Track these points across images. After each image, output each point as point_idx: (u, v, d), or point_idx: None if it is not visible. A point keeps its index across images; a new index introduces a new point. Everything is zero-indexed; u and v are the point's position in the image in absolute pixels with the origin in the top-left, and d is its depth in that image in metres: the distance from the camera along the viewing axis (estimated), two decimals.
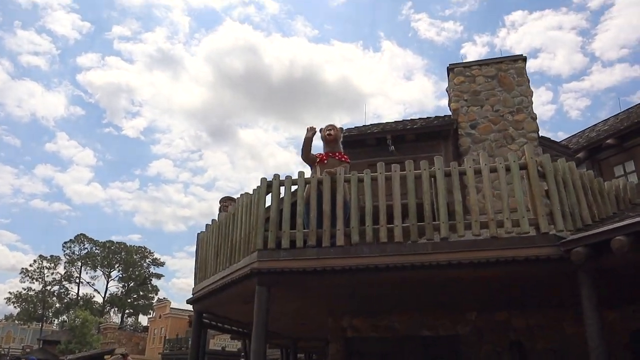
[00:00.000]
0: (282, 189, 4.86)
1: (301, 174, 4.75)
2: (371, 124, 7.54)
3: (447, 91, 7.72)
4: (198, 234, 6.80)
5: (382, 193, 4.43)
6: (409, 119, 7.72)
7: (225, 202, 6.82)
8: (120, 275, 45.43)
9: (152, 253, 46.43)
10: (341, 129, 5.40)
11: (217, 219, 6.54)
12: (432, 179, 4.37)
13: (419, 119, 7.54)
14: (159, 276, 46.10)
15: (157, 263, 46.46)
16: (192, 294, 6.42)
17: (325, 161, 5.10)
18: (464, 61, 7.40)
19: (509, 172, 4.27)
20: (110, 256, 45.00)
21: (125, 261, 45.09)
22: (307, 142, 5.09)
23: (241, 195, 5.36)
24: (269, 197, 4.84)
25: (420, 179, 4.41)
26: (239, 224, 5.17)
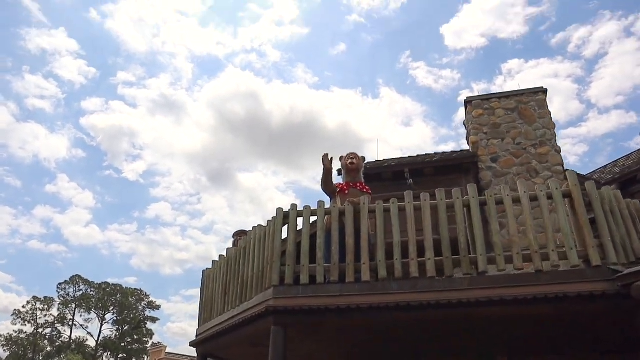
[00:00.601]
0: (300, 220, 4.50)
1: (321, 203, 4.41)
2: (387, 158, 7.28)
3: (464, 125, 7.50)
4: (203, 271, 6.37)
5: (412, 224, 4.07)
6: (425, 153, 7.47)
7: (239, 235, 6.43)
8: (115, 318, 44.07)
9: (148, 296, 45.19)
10: (363, 158, 5.10)
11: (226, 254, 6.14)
12: (466, 208, 4.02)
13: (436, 153, 7.27)
14: (154, 320, 44.71)
15: (153, 306, 45.14)
16: (196, 336, 5.91)
17: (346, 191, 4.76)
18: (481, 94, 7.22)
19: (550, 200, 3.93)
20: (106, 298, 43.78)
21: (120, 304, 43.83)
22: (328, 172, 4.75)
23: (254, 227, 5.00)
24: (284, 229, 4.49)
25: (452, 209, 4.06)
26: (251, 258, 4.77)
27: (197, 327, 6.06)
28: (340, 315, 3.85)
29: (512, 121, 6.87)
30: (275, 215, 4.50)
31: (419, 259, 3.89)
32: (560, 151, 6.63)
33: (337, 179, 5.23)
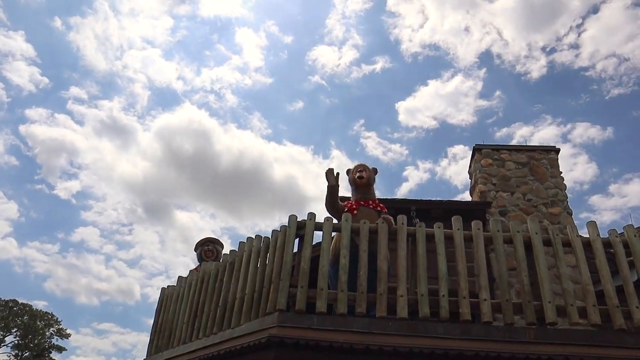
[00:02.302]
0: (316, 234, 3.67)
1: (347, 216, 3.61)
2: (388, 198, 6.62)
3: (469, 173, 7.06)
4: (163, 288, 5.25)
5: (462, 256, 3.35)
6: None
7: (207, 245, 5.40)
8: (17, 342, 38.83)
9: (60, 322, 40.52)
10: (374, 169, 4.30)
11: (198, 266, 5.09)
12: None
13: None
14: (60, 349, 39.80)
15: (63, 334, 40.33)
16: None
17: (356, 211, 3.98)
18: (490, 144, 6.87)
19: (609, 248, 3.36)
20: (10, 317, 38.73)
21: (26, 326, 38.86)
22: (334, 190, 3.93)
23: (249, 238, 4.07)
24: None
25: (508, 244, 3.40)
26: (242, 275, 3.82)
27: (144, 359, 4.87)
28: (369, 357, 2.97)
29: (523, 176, 6.51)
30: (287, 223, 3.64)
31: (472, 300, 3.13)
32: (572, 214, 6.30)
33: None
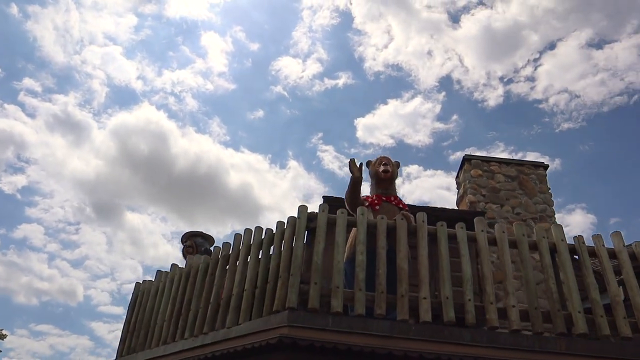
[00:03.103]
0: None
1: (363, 210, 3.34)
2: None
3: (457, 183, 6.97)
4: (137, 283, 4.78)
5: (487, 258, 3.15)
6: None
7: (190, 239, 5.00)
8: None
9: None
10: (397, 164, 4.03)
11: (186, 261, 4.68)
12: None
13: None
14: None
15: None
16: None
17: (377, 207, 3.72)
18: (480, 155, 6.82)
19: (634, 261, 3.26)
20: None
21: None
22: (358, 182, 3.63)
23: (247, 230, 3.73)
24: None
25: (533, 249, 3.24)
26: (239, 270, 3.47)
27: None
28: None
29: (512, 189, 6.47)
30: (297, 214, 3.33)
31: (499, 306, 2.93)
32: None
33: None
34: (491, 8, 23.22)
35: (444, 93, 26.51)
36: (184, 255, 4.97)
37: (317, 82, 27.54)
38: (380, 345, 2.70)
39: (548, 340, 2.78)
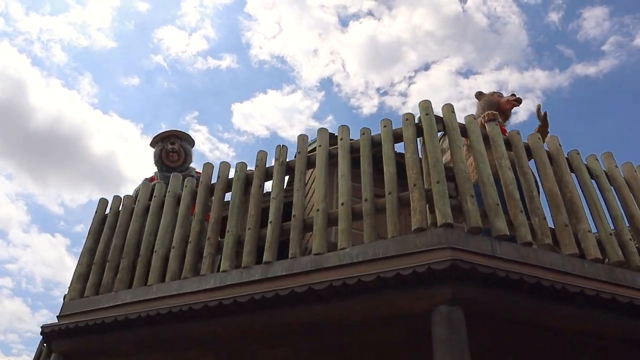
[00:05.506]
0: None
1: (493, 126, 2.63)
2: None
3: None
4: (103, 199, 3.39)
5: None
6: None
7: (170, 140, 3.71)
8: None
9: None
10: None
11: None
12: None
13: None
14: None
15: None
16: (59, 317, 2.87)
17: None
18: None
19: None
20: None
21: None
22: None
23: (321, 130, 2.76)
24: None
25: None
26: (344, 172, 2.51)
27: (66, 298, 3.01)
28: (567, 303, 2.02)
29: None
30: (420, 110, 2.50)
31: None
32: None
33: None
34: (378, 20, 24.10)
35: (323, 92, 26.78)
36: (159, 164, 3.66)
37: (200, 59, 25.56)
38: (558, 279, 2.04)
39: None
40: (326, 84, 26.67)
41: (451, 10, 23.67)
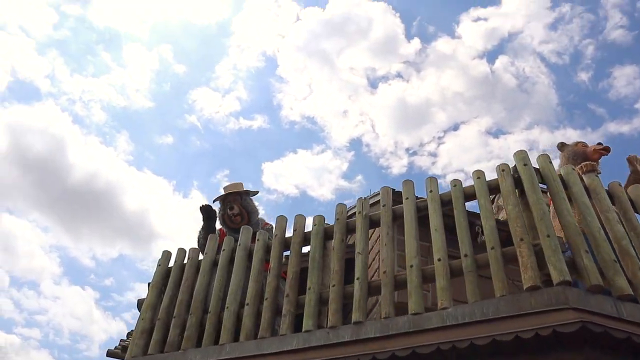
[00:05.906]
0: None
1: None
2: None
3: None
4: (166, 252, 3.31)
5: None
6: None
7: (235, 200, 3.53)
8: None
9: None
10: None
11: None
12: None
13: None
14: None
15: None
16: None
17: None
18: None
19: None
20: None
21: None
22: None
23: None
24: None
25: None
26: (436, 215, 2.37)
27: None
28: None
29: None
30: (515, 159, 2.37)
31: None
32: None
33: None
34: (407, 82, 24.61)
35: (353, 152, 27.01)
36: (226, 226, 3.52)
37: (233, 119, 26.41)
38: None
39: None
40: (356, 144, 26.94)
41: (479, 72, 23.99)
